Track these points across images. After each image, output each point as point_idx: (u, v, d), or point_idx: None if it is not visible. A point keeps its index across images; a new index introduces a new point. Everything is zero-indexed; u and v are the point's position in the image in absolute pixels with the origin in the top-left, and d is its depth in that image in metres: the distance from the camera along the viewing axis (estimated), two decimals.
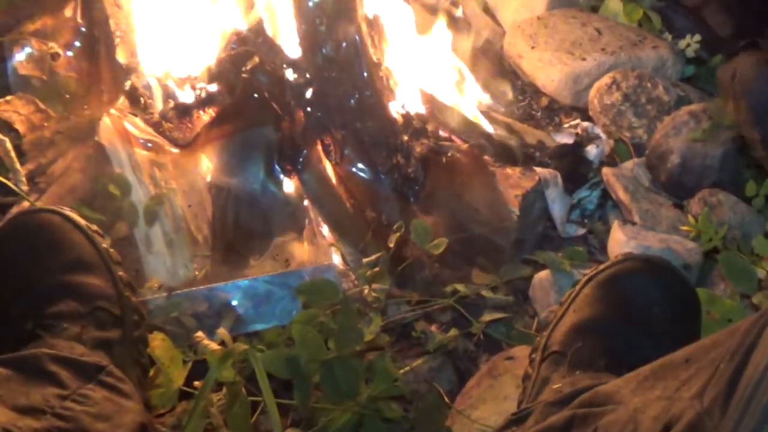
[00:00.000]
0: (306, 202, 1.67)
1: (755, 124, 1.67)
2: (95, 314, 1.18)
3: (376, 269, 1.51)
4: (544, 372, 1.19)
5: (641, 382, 0.98)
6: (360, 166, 1.65)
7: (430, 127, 1.71)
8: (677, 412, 0.84)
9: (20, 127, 1.74)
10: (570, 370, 1.16)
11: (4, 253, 1.24)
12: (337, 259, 1.63)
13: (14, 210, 1.64)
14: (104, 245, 1.26)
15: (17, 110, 1.74)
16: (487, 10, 2.23)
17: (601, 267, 1.28)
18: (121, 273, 1.26)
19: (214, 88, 1.68)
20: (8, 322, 1.18)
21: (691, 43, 2.09)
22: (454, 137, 1.76)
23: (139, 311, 1.27)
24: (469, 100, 1.95)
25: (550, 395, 1.12)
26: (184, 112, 1.70)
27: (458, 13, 2.11)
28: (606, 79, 1.95)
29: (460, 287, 1.55)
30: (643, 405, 0.92)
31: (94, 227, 1.28)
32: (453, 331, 1.50)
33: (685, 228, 1.64)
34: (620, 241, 1.61)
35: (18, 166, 1.63)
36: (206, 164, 1.69)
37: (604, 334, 1.20)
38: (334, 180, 1.66)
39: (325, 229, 1.66)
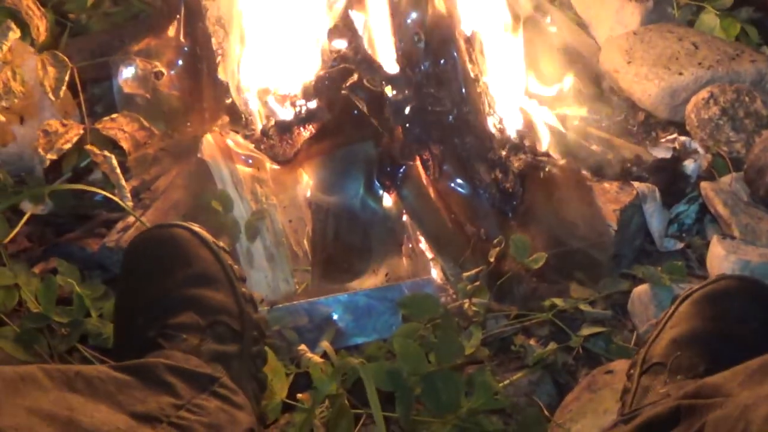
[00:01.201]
0: (405, 217, 1.69)
1: None
2: (214, 328, 1.19)
3: (476, 283, 1.52)
4: (644, 382, 1.20)
5: (749, 376, 0.99)
6: (458, 181, 1.65)
7: (527, 142, 1.71)
8: None
9: (125, 145, 1.78)
10: (671, 376, 1.17)
11: (136, 263, 1.27)
12: (435, 273, 1.65)
13: (120, 225, 1.69)
14: (229, 262, 1.28)
15: (122, 128, 1.78)
16: (582, 26, 2.23)
17: (697, 286, 1.29)
18: (244, 289, 1.27)
19: (314, 105, 1.70)
20: (133, 330, 1.21)
21: None
22: (551, 152, 1.77)
23: (260, 327, 1.28)
24: (566, 115, 1.95)
25: (657, 397, 1.12)
26: (284, 128, 1.72)
27: (553, 29, 2.11)
28: (703, 94, 1.93)
29: (559, 301, 1.56)
30: (753, 402, 0.92)
31: (222, 244, 1.30)
32: (552, 345, 1.50)
33: None
34: (719, 256, 1.60)
35: (123, 182, 1.66)
36: (306, 180, 1.72)
37: (703, 343, 1.21)
38: (432, 195, 1.67)
39: (423, 244, 1.68)
